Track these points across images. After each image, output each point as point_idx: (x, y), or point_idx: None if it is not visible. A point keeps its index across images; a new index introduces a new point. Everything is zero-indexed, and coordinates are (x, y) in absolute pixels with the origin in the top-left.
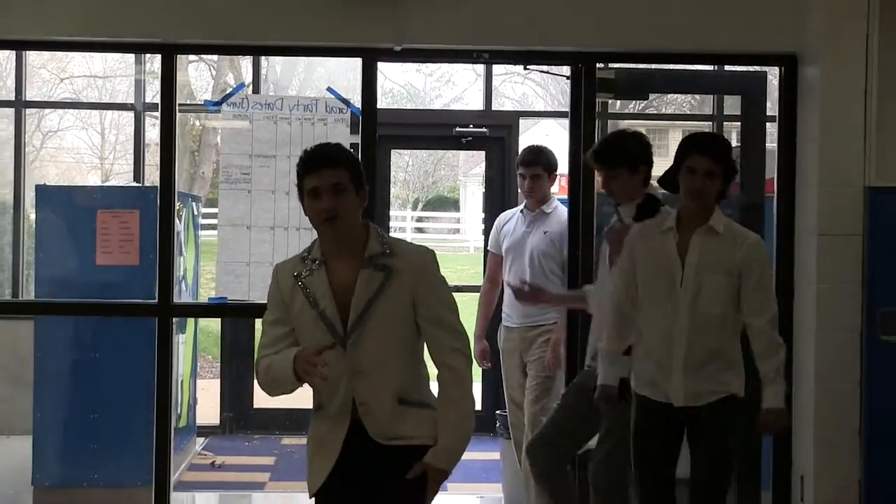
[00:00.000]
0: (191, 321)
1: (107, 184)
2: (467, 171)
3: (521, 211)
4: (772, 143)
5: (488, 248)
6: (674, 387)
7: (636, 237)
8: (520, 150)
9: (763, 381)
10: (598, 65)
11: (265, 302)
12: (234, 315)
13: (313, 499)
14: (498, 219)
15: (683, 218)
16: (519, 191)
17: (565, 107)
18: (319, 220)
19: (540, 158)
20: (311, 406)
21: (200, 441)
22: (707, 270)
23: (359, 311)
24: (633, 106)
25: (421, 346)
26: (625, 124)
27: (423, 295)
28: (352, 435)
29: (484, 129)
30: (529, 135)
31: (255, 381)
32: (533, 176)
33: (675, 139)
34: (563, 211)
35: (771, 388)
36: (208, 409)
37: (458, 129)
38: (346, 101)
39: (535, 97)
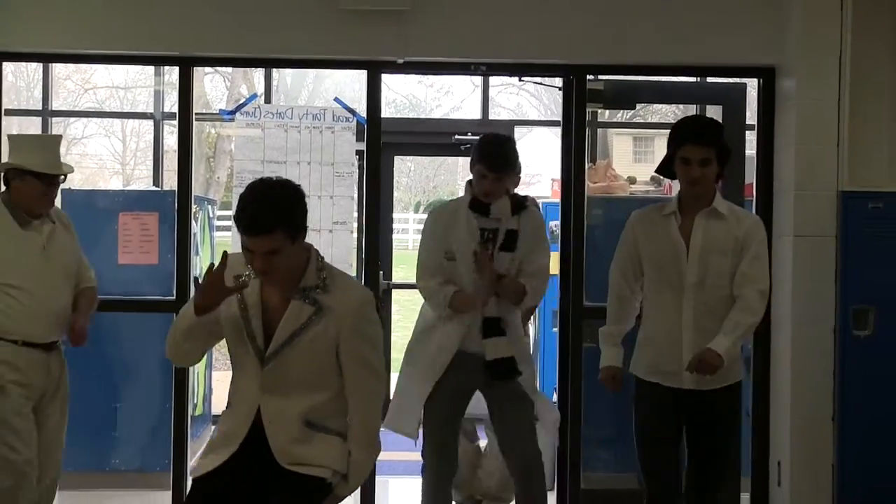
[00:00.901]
0: None
1: (128, 188)
2: (465, 176)
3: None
4: (751, 150)
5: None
6: (684, 370)
7: (637, 225)
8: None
9: (721, 329)
10: (588, 77)
11: None
12: None
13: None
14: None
15: (685, 202)
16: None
17: (558, 116)
18: (254, 271)
19: (504, 160)
20: None
21: (214, 429)
22: (712, 252)
23: (281, 340)
24: (621, 115)
25: (329, 379)
26: (613, 132)
27: (348, 334)
28: (251, 444)
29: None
30: (524, 143)
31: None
32: (496, 179)
33: (660, 146)
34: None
35: (724, 337)
36: (222, 399)
37: (456, 136)
38: (352, 111)
39: (530, 107)
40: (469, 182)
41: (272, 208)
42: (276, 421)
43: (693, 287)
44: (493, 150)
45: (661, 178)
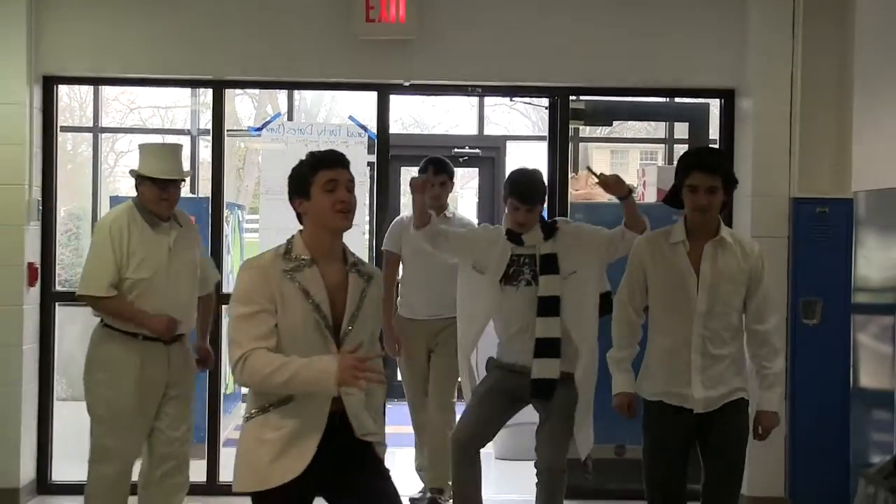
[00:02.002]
0: None
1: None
2: (463, 184)
3: None
4: None
5: (387, 247)
6: (693, 394)
7: (645, 250)
8: (507, 170)
9: (761, 384)
10: (571, 97)
11: None
12: None
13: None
14: (397, 221)
15: (692, 230)
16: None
17: (545, 132)
18: (334, 211)
19: (446, 167)
20: None
21: (245, 406)
22: (721, 282)
23: (352, 310)
24: (600, 131)
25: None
26: (593, 146)
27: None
28: (326, 433)
29: (477, 150)
30: (515, 155)
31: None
32: (441, 184)
33: (634, 158)
34: (463, 215)
35: (770, 392)
36: None
37: (455, 149)
38: (364, 128)
39: (520, 124)
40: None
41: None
42: (353, 393)
43: (702, 315)
44: (525, 183)
45: (636, 186)
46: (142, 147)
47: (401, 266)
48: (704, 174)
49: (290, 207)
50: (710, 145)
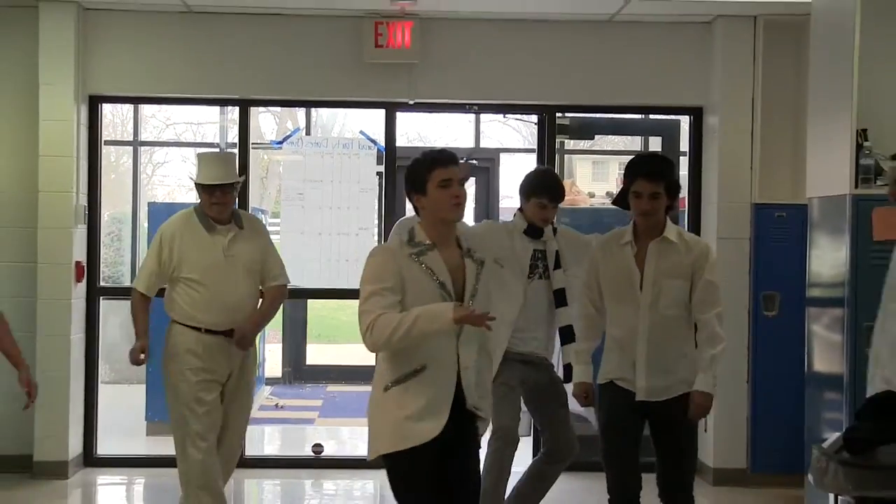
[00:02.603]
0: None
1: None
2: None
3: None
4: (684, 171)
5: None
6: (638, 383)
7: (598, 251)
8: (501, 179)
9: (698, 366)
10: (557, 114)
11: (318, 287)
12: (293, 297)
13: (392, 454)
14: (399, 223)
15: (639, 232)
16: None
17: (534, 145)
18: (450, 204)
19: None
20: (350, 363)
21: (268, 389)
22: (664, 276)
23: (471, 290)
24: (583, 144)
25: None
26: (576, 158)
27: (497, 274)
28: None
29: (474, 161)
30: (508, 166)
31: (365, 338)
32: None
33: (613, 169)
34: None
35: (704, 375)
36: (273, 365)
37: (463, 159)
38: (373, 141)
39: (512, 138)
40: (520, 210)
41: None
42: (469, 367)
43: (647, 307)
44: (555, 184)
45: (615, 193)
46: (198, 156)
47: None
48: (648, 181)
49: (307, 212)
50: (654, 152)
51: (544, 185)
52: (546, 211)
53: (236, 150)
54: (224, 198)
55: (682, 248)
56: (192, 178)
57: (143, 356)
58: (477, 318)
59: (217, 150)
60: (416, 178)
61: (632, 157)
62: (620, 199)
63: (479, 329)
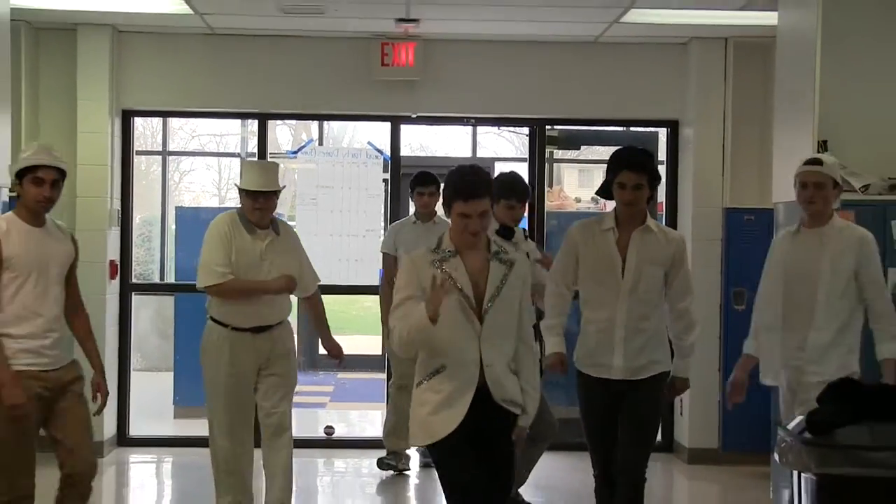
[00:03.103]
0: None
1: (221, 205)
2: None
3: (414, 222)
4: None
5: (384, 250)
6: (615, 363)
7: (578, 235)
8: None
9: (677, 353)
10: (547, 127)
11: (329, 284)
12: None
13: (426, 443)
14: (392, 226)
15: (621, 220)
16: (413, 205)
17: (526, 154)
18: (465, 235)
19: (434, 180)
20: (359, 353)
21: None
22: (644, 263)
23: (492, 292)
24: (570, 154)
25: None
26: (564, 166)
27: (524, 293)
28: (476, 396)
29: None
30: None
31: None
32: (430, 194)
33: (597, 176)
34: (447, 221)
35: (683, 361)
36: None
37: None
38: (380, 151)
39: (506, 148)
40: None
41: (483, 180)
42: (493, 364)
43: (627, 293)
44: (520, 185)
45: (599, 198)
46: (243, 163)
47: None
48: (632, 173)
49: (319, 216)
50: (636, 147)
51: (512, 188)
52: (515, 211)
53: (278, 161)
54: (266, 204)
55: (661, 238)
56: (236, 185)
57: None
58: (433, 295)
59: (258, 158)
60: (445, 199)
61: (615, 150)
62: (603, 190)
63: (506, 327)
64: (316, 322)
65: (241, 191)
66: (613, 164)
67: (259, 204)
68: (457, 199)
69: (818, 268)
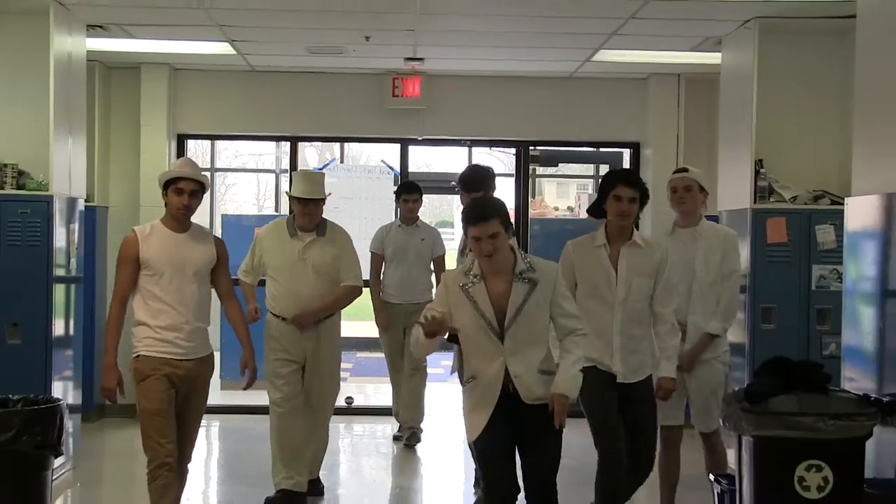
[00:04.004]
0: None
1: (259, 213)
2: (458, 206)
3: (399, 225)
4: None
5: (373, 249)
6: (616, 367)
7: (574, 253)
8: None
9: (661, 356)
10: (530, 147)
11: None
12: None
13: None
14: (379, 229)
15: (611, 235)
16: (399, 211)
17: (512, 170)
18: (480, 256)
19: (417, 189)
20: (374, 336)
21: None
22: (634, 275)
23: (513, 313)
24: (549, 170)
25: (547, 333)
26: (544, 180)
27: (554, 296)
28: (501, 398)
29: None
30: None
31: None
32: (414, 201)
33: (572, 189)
34: (428, 225)
35: (668, 362)
36: None
37: (452, 182)
38: (391, 168)
39: (496, 165)
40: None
41: (491, 206)
42: (521, 375)
43: (621, 303)
44: (473, 176)
45: (573, 207)
46: (293, 173)
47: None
48: (628, 187)
49: (340, 224)
50: (629, 168)
51: (467, 182)
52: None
53: (325, 172)
54: (313, 209)
55: (647, 250)
56: (287, 192)
57: (256, 314)
58: (431, 325)
59: (310, 168)
60: (463, 225)
61: (606, 173)
62: (594, 209)
63: (532, 337)
64: (325, 301)
65: (291, 198)
66: (610, 181)
67: (307, 209)
68: (468, 224)
69: (694, 260)
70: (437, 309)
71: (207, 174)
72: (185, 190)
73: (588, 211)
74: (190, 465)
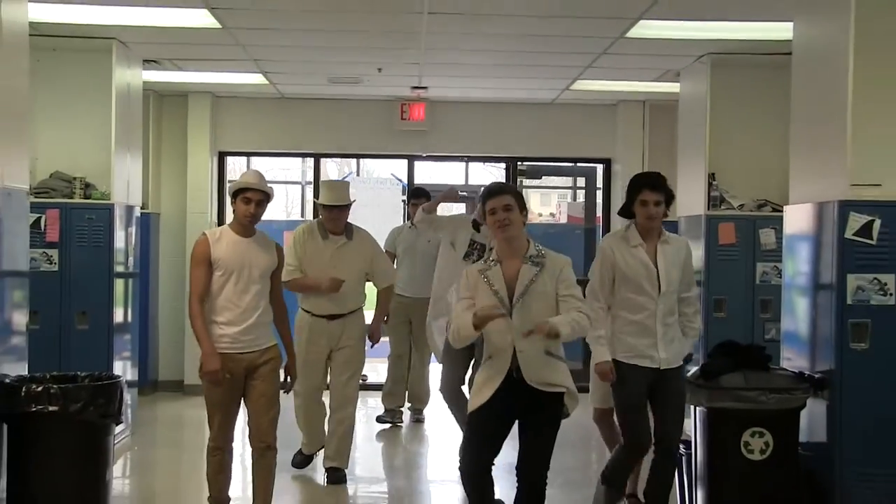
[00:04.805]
0: None
1: (287, 218)
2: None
3: (410, 227)
4: (600, 200)
5: (387, 248)
6: (660, 355)
7: (613, 253)
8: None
9: (687, 335)
10: (518, 163)
11: None
12: None
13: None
14: (392, 230)
15: (643, 234)
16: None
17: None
18: (495, 228)
19: (425, 193)
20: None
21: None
22: (671, 269)
23: (521, 290)
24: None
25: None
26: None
27: (559, 282)
28: (507, 379)
29: (465, 193)
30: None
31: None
32: (414, 204)
33: (553, 199)
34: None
35: (691, 342)
36: None
37: (462, 192)
38: (400, 180)
39: (489, 178)
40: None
41: (506, 185)
42: (525, 350)
43: (662, 295)
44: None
45: (555, 213)
46: (321, 182)
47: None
48: (652, 192)
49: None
50: (654, 171)
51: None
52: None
53: (349, 180)
54: (339, 215)
55: (675, 245)
56: (315, 200)
57: (334, 282)
58: (482, 317)
59: (336, 178)
60: (479, 209)
61: (634, 175)
62: (625, 210)
63: (539, 316)
64: (376, 308)
65: (319, 204)
66: (636, 186)
67: (333, 215)
68: (486, 200)
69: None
70: (489, 306)
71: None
72: (252, 199)
73: (620, 212)
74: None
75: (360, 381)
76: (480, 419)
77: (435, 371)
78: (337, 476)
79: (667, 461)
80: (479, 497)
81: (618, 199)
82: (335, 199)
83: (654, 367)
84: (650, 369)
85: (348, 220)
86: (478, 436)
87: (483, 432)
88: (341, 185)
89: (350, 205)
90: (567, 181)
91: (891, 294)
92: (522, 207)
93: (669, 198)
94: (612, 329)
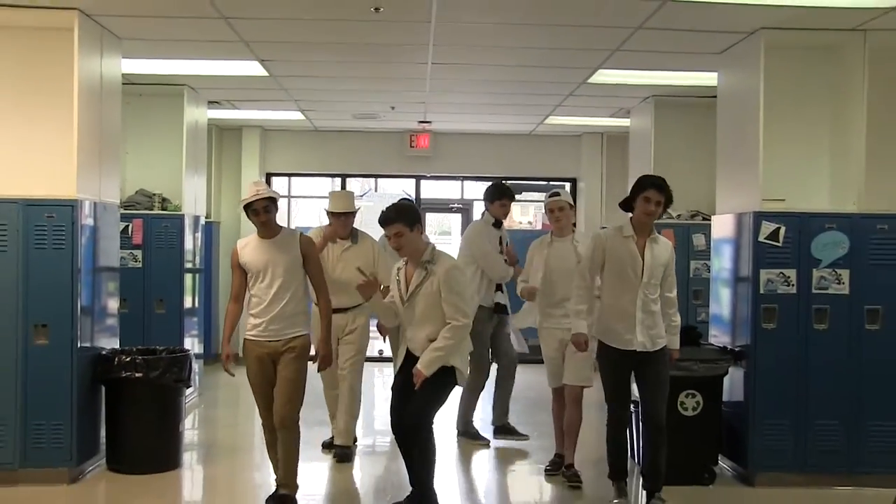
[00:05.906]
0: None
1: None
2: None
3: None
4: None
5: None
6: (637, 339)
7: (607, 241)
8: (474, 217)
9: (669, 331)
10: (502, 181)
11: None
12: None
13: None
14: (381, 237)
15: (637, 229)
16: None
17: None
18: (395, 249)
19: (507, 192)
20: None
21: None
22: (655, 264)
23: (411, 290)
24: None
25: (443, 314)
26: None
27: (443, 286)
28: (408, 354)
29: (460, 205)
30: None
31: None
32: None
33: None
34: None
35: (675, 337)
36: None
37: (451, 204)
38: (409, 195)
39: (479, 193)
40: (486, 212)
41: (395, 209)
42: (412, 339)
43: (643, 285)
44: (508, 188)
45: (532, 221)
46: (329, 193)
47: None
48: (656, 192)
49: (377, 236)
50: (660, 175)
51: (503, 192)
52: (506, 208)
53: (364, 192)
54: (345, 221)
55: (661, 245)
56: (325, 209)
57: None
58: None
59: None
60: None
61: (642, 174)
62: (625, 204)
63: (425, 314)
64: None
65: (327, 212)
66: (643, 183)
67: (339, 221)
68: (503, 197)
69: (573, 265)
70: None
71: (285, 199)
72: (258, 209)
73: (621, 205)
74: (298, 423)
75: (379, 354)
76: (397, 378)
77: None
78: (342, 453)
79: (657, 435)
80: (401, 440)
81: (581, 212)
82: (341, 207)
83: (632, 350)
84: (629, 351)
85: (354, 226)
86: (396, 390)
87: (397, 387)
88: (346, 195)
89: (355, 212)
90: (542, 196)
91: (793, 285)
92: (414, 223)
93: (668, 202)
94: (597, 313)
